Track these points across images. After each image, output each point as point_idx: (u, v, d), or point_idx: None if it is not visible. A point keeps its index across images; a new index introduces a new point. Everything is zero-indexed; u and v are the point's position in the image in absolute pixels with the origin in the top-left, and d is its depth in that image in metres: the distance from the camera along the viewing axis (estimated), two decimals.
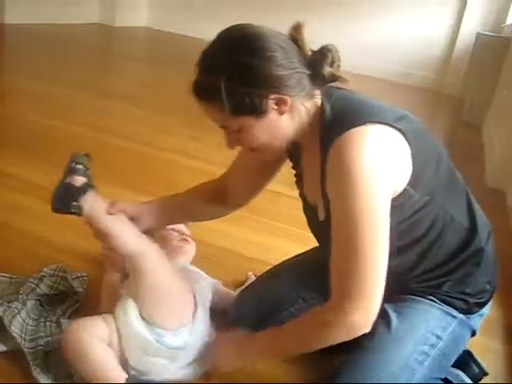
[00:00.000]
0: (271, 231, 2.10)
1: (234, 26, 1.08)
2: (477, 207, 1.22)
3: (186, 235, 1.62)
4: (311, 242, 1.36)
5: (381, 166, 0.99)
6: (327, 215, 1.10)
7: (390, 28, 6.33)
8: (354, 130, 1.00)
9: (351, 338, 1.02)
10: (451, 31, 6.15)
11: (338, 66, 1.09)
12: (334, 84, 1.12)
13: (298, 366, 1.35)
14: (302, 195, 1.30)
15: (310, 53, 1.09)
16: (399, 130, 1.03)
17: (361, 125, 1.01)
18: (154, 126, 3.26)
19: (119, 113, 3.45)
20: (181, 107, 3.62)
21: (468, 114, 4.72)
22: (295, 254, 1.52)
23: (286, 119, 1.08)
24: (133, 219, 1.32)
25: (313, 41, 1.10)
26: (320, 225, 1.18)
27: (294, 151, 1.25)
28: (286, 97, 1.05)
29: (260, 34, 1.05)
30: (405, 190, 1.05)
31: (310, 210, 1.25)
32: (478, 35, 5.04)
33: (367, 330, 1.00)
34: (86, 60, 5.02)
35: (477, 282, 1.20)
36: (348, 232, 0.98)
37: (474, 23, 5.88)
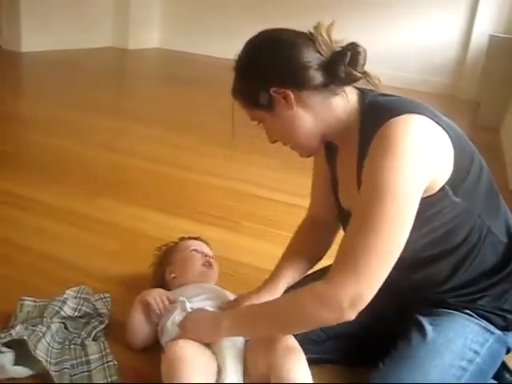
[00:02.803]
0: None
1: (261, 32, 1.15)
2: None
3: (209, 256, 1.58)
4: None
5: (422, 149, 0.98)
6: None
7: (402, 36, 6.32)
8: (400, 117, 0.99)
9: (330, 323, 0.98)
10: (464, 35, 6.11)
11: (363, 66, 1.08)
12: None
13: (332, 379, 1.32)
14: (337, 204, 1.27)
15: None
16: (443, 127, 1.03)
17: (406, 113, 1.00)
18: (171, 144, 3.28)
19: (137, 133, 3.48)
20: (197, 125, 3.66)
21: (485, 117, 4.67)
22: (320, 266, 1.50)
23: (299, 113, 1.10)
24: None
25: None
26: None
27: (329, 156, 1.26)
28: (287, 90, 1.07)
29: (273, 33, 1.11)
30: (444, 188, 1.02)
31: (345, 216, 1.20)
32: (491, 37, 5.00)
33: (351, 317, 0.96)
34: (102, 83, 5.08)
35: None
36: (369, 206, 0.96)
37: (485, 25, 5.84)
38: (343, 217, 1.23)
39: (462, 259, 1.11)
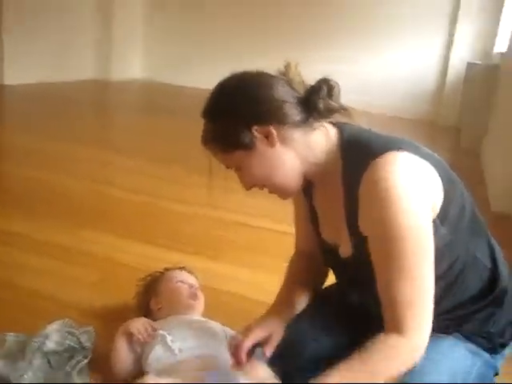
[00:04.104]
0: (279, 271, 2.08)
1: (230, 74, 1.13)
2: (496, 246, 1.19)
3: (196, 289, 1.57)
4: None
5: (418, 188, 0.98)
6: (357, 251, 1.07)
7: (382, 64, 6.44)
8: (384, 156, 0.99)
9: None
10: (442, 63, 6.24)
11: (338, 98, 1.09)
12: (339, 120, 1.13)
13: None
14: (317, 234, 1.26)
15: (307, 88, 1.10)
16: (427, 160, 1.03)
17: (388, 152, 1.00)
18: (153, 175, 3.27)
19: (119, 164, 3.48)
20: (179, 155, 3.67)
21: (465, 141, 4.75)
22: None
23: (280, 151, 1.08)
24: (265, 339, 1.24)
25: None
26: (343, 262, 1.15)
27: (305, 189, 1.23)
28: (269, 128, 1.06)
29: (244, 75, 1.11)
30: (434, 221, 1.02)
31: (327, 249, 1.21)
32: (469, 65, 5.11)
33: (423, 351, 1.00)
34: (84, 115, 5.09)
35: (500, 322, 1.17)
36: (392, 258, 0.97)
37: (463, 53, 5.98)
38: (326, 249, 1.23)
39: (449, 285, 1.10)
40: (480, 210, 1.18)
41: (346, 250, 1.12)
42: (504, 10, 5.61)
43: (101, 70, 7.16)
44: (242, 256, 2.18)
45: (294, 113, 1.07)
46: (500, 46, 5.29)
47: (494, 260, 1.15)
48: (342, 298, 1.25)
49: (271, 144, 1.07)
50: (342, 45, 6.55)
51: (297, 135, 1.08)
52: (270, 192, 1.16)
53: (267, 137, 1.07)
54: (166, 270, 1.65)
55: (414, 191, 0.97)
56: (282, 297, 1.31)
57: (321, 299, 1.34)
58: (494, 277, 1.15)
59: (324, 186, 1.16)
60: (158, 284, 1.58)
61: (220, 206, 2.68)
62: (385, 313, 1.00)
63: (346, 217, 1.08)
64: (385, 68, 6.44)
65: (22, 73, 6.01)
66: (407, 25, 6.26)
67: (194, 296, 1.54)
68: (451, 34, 6.13)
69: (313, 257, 1.34)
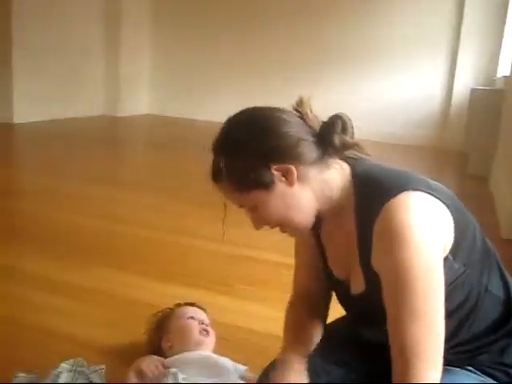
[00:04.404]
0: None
1: (242, 109, 1.11)
2: (508, 277, 1.17)
3: (206, 325, 1.56)
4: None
5: (432, 228, 0.98)
6: (369, 288, 1.06)
7: (386, 93, 6.50)
8: (398, 197, 0.98)
9: None
10: (446, 88, 6.29)
11: (352, 134, 1.08)
12: (355, 154, 1.11)
13: None
14: (326, 270, 1.25)
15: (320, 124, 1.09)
16: (438, 198, 1.02)
17: (401, 192, 0.99)
18: (163, 210, 3.29)
19: (129, 200, 3.50)
20: (189, 189, 3.68)
21: (473, 166, 4.75)
22: None
23: (298, 190, 1.07)
24: None
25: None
26: (354, 298, 1.14)
27: (314, 225, 1.20)
28: (289, 166, 1.04)
29: (259, 111, 1.09)
30: (447, 257, 1.01)
31: (337, 284, 1.20)
32: (472, 90, 5.15)
33: None
34: (94, 152, 5.14)
35: None
36: (405, 301, 0.96)
37: (466, 78, 6.04)
38: (337, 285, 1.22)
39: (463, 319, 1.09)
40: (490, 237, 1.18)
41: (358, 286, 1.12)
42: (505, 34, 5.67)
43: (109, 107, 7.27)
44: (253, 290, 2.17)
45: (310, 150, 1.06)
46: (503, 71, 5.32)
47: (507, 291, 1.14)
48: (352, 332, 1.24)
49: (290, 183, 1.06)
50: (344, 74, 6.63)
51: (313, 173, 1.07)
52: (282, 230, 1.14)
53: (285, 175, 1.05)
54: (177, 306, 1.65)
55: (427, 232, 0.97)
56: (297, 335, 1.28)
57: (330, 333, 1.33)
58: (507, 308, 1.13)
59: (335, 223, 1.14)
60: (168, 321, 1.57)
61: (229, 241, 2.67)
62: (393, 351, 0.98)
63: (359, 254, 1.07)
64: (388, 96, 6.49)
65: (32, 111, 6.13)
66: (409, 52, 6.34)
67: (204, 332, 1.53)
68: (453, 60, 6.19)
69: (313, 297, 1.31)
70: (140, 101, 7.65)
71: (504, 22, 5.76)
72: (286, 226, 1.12)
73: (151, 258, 2.49)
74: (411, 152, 5.88)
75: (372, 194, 1.03)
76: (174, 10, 7.45)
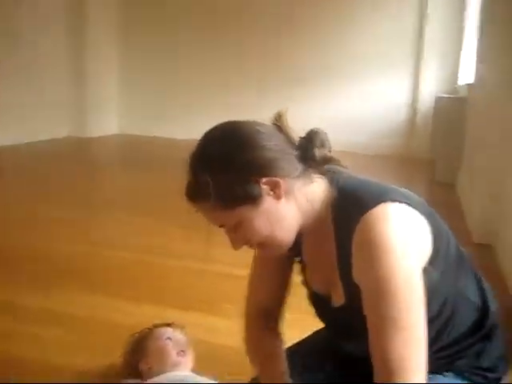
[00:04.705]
0: None
1: (218, 124, 1.07)
2: (483, 281, 1.19)
3: (184, 343, 1.56)
4: (306, 327, 1.34)
5: (411, 238, 0.98)
6: (350, 300, 1.06)
7: (352, 102, 6.59)
8: (376, 209, 0.98)
9: None
10: (411, 97, 6.42)
11: (329, 148, 1.09)
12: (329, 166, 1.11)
13: None
14: (305, 283, 1.24)
15: (297, 139, 1.09)
16: (414, 207, 1.02)
17: (379, 203, 0.99)
18: (142, 230, 3.25)
19: (110, 223, 3.44)
20: (163, 209, 3.65)
21: (439, 173, 4.84)
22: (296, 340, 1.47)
23: (284, 204, 1.05)
24: None
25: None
26: (334, 311, 1.14)
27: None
28: (277, 179, 1.02)
29: (240, 125, 1.06)
30: (426, 266, 1.01)
31: (317, 298, 1.20)
32: (437, 98, 5.26)
33: None
34: (64, 174, 5.04)
35: (491, 357, 1.16)
36: (385, 311, 0.95)
37: (431, 87, 6.20)
38: (316, 299, 1.22)
39: (441, 326, 1.10)
40: (462, 243, 1.19)
41: (338, 299, 1.12)
42: (464, 42, 5.82)
43: (77, 127, 7.18)
44: (234, 308, 2.15)
45: (294, 163, 1.05)
46: (465, 79, 5.45)
47: (482, 296, 1.16)
48: (333, 345, 1.24)
49: (278, 196, 1.03)
50: (314, 87, 6.71)
51: (297, 186, 1.05)
52: (261, 247, 1.10)
53: (273, 189, 1.03)
54: (155, 326, 1.63)
55: (405, 243, 0.97)
56: (267, 355, 1.27)
57: (309, 348, 1.35)
58: (483, 313, 1.15)
59: (314, 236, 1.14)
60: (146, 343, 1.56)
61: (213, 259, 2.65)
62: (376, 362, 0.98)
63: (338, 267, 1.08)
64: (355, 106, 6.58)
65: (1, 135, 6.01)
66: (375, 64, 6.46)
67: (182, 352, 1.53)
68: (417, 70, 6.33)
69: (271, 310, 1.31)
70: (109, 121, 7.58)
71: (462, 31, 5.91)
72: (268, 244, 1.08)
73: (136, 281, 2.45)
74: (379, 161, 5.95)
75: (350, 206, 1.03)
76: (142, 29, 7.43)
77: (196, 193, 1.04)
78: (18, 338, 1.88)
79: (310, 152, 1.07)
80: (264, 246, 1.09)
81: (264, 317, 1.31)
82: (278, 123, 1.09)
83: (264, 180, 1.01)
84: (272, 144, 1.04)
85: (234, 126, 1.07)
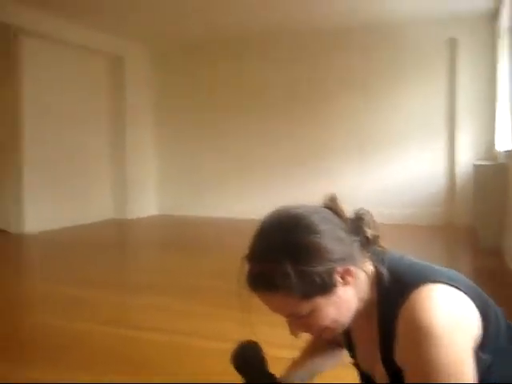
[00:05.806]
0: None
1: (274, 211, 1.06)
2: None
3: None
4: None
5: (457, 323, 0.95)
6: (394, 381, 1.03)
7: (392, 176, 6.60)
8: (420, 292, 0.97)
9: None
10: (449, 166, 6.38)
11: (377, 228, 1.09)
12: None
13: None
14: (355, 364, 1.22)
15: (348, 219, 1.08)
16: (460, 289, 1.00)
17: (423, 285, 0.97)
18: (177, 312, 3.23)
19: (143, 305, 3.45)
20: (202, 289, 3.64)
21: (484, 240, 4.71)
22: None
23: (350, 290, 1.04)
24: None
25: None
26: None
27: None
28: (351, 267, 1.02)
29: (305, 213, 1.04)
30: (475, 350, 0.97)
31: (364, 378, 1.18)
32: (475, 166, 5.21)
33: None
34: (105, 256, 5.12)
35: None
36: None
37: (467, 154, 6.18)
38: (364, 378, 1.20)
39: None
40: None
41: (381, 379, 1.09)
42: (497, 109, 5.82)
43: (118, 210, 7.38)
44: None
45: (359, 249, 1.05)
46: (502, 145, 5.41)
47: None
48: None
49: (346, 283, 1.03)
50: (352, 160, 6.76)
51: (361, 271, 1.05)
52: (322, 332, 1.07)
53: (344, 277, 1.02)
54: None
55: (452, 327, 0.94)
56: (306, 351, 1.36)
57: None
58: None
59: (360, 317, 1.11)
60: None
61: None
62: None
63: (379, 350, 1.05)
64: (394, 180, 6.57)
65: (43, 220, 6.21)
66: (412, 136, 6.51)
67: None
68: (451, 138, 6.33)
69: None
70: (148, 203, 7.76)
71: (495, 99, 5.93)
72: (331, 329, 1.06)
73: (165, 363, 2.42)
74: (420, 232, 5.86)
75: (393, 288, 1.02)
76: (176, 110, 7.73)
77: (268, 282, 1.00)
78: None
79: (365, 234, 1.07)
80: (325, 331, 1.07)
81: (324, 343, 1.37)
82: (334, 207, 1.09)
83: (340, 269, 1.01)
84: (342, 233, 1.04)
85: (298, 214, 1.03)
